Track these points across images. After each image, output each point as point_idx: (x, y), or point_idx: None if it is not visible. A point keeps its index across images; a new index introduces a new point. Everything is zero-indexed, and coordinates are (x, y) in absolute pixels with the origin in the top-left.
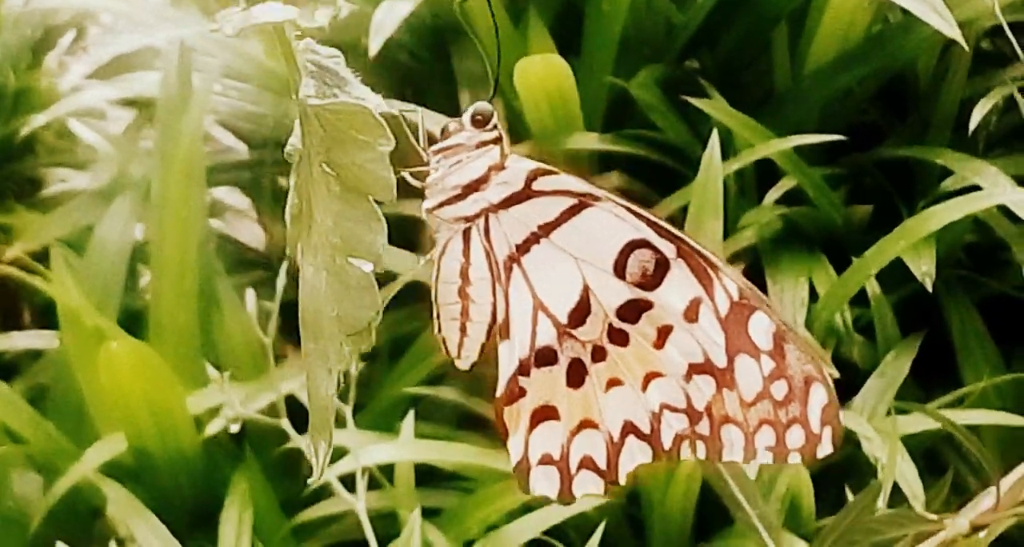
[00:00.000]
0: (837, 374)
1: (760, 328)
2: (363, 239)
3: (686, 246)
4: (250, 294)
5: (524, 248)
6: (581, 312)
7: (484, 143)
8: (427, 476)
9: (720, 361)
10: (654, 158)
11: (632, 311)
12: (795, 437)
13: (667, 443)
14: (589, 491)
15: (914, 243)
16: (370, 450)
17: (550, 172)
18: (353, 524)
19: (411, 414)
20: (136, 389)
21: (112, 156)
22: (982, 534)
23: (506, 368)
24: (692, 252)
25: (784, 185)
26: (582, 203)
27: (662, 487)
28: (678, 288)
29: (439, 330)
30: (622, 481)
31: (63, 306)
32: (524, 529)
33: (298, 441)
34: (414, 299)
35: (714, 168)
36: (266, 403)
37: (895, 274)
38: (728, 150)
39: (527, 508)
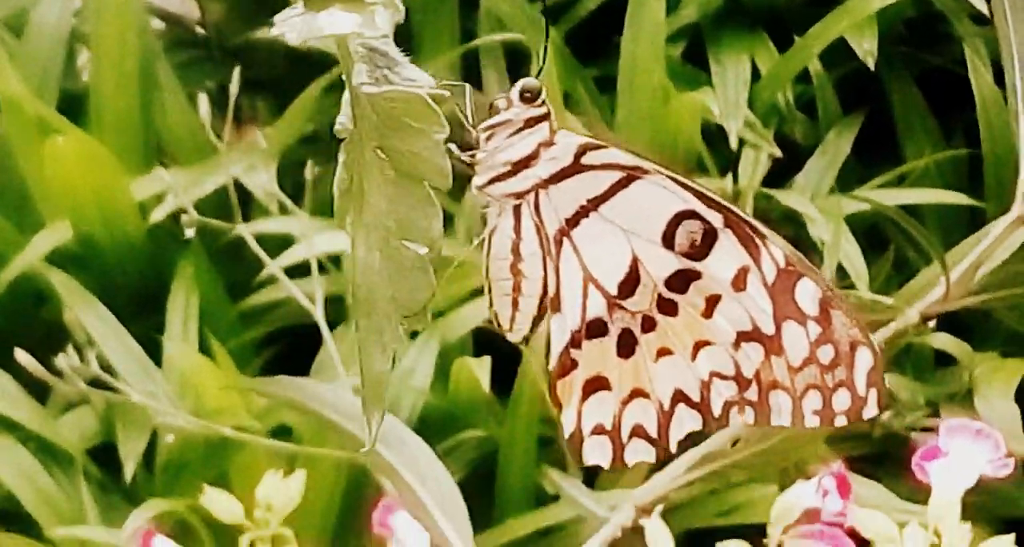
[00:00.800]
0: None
1: (807, 294)
2: (418, 224)
3: (733, 215)
4: (202, 99)
5: (574, 222)
6: (631, 283)
7: (533, 119)
8: None
9: (768, 328)
10: None
11: (681, 281)
12: (841, 400)
13: (717, 410)
14: (641, 459)
15: (857, 22)
16: (322, 238)
17: (599, 146)
18: (299, 309)
19: None
20: (81, 178)
21: None
22: (931, 324)
23: (558, 341)
24: (739, 221)
25: None
26: (630, 176)
27: None
28: (726, 257)
29: (491, 304)
30: (673, 449)
31: (3, 94)
32: (471, 316)
33: (243, 230)
34: None
35: None
36: (212, 188)
37: (836, 51)
38: None
39: (476, 293)
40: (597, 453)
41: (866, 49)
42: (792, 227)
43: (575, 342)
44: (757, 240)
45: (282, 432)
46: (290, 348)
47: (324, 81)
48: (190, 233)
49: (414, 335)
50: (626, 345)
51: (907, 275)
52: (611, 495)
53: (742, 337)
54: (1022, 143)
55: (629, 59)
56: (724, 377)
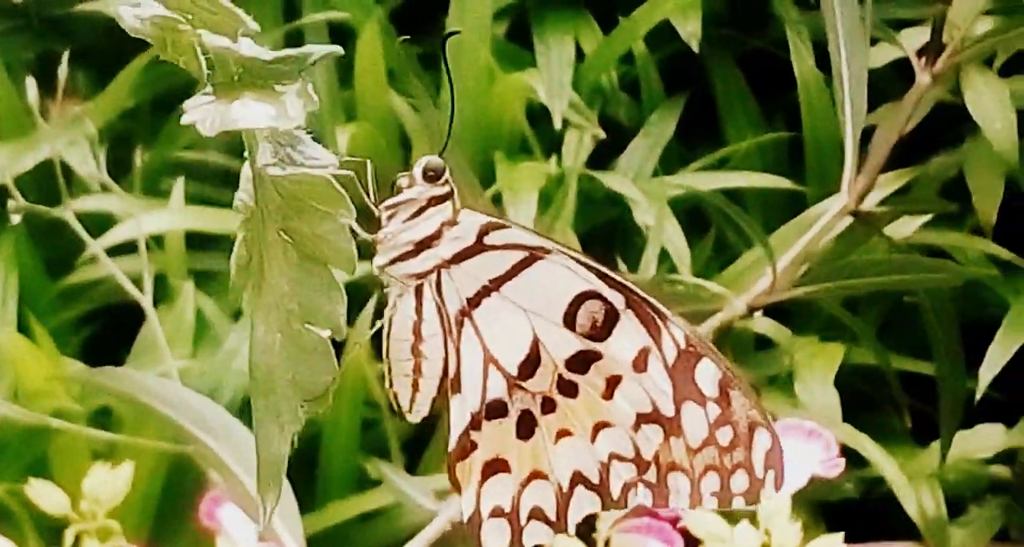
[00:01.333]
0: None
1: (707, 375)
2: (322, 308)
3: (635, 296)
4: (30, 82)
5: (475, 302)
6: (531, 364)
7: (436, 198)
8: (195, 239)
9: (668, 410)
10: None
11: (581, 362)
12: (739, 482)
13: (616, 492)
14: (539, 541)
15: (681, 4)
16: (146, 218)
17: (502, 226)
18: (119, 287)
19: (181, 180)
20: None
21: None
22: (757, 315)
23: (458, 423)
24: (641, 301)
25: None
26: (533, 256)
27: None
28: (627, 338)
29: (390, 385)
30: (571, 531)
31: None
32: None
33: (65, 213)
34: None
35: None
36: (33, 164)
37: (660, 33)
38: None
39: None
40: (495, 536)
41: (690, 31)
42: (615, 209)
43: (475, 424)
44: (658, 321)
45: (104, 413)
46: (110, 326)
47: (147, 56)
48: (16, 219)
49: (237, 316)
50: (526, 426)
51: (728, 257)
52: (434, 480)
53: (642, 419)
54: (848, 134)
55: (454, 38)
56: (623, 459)
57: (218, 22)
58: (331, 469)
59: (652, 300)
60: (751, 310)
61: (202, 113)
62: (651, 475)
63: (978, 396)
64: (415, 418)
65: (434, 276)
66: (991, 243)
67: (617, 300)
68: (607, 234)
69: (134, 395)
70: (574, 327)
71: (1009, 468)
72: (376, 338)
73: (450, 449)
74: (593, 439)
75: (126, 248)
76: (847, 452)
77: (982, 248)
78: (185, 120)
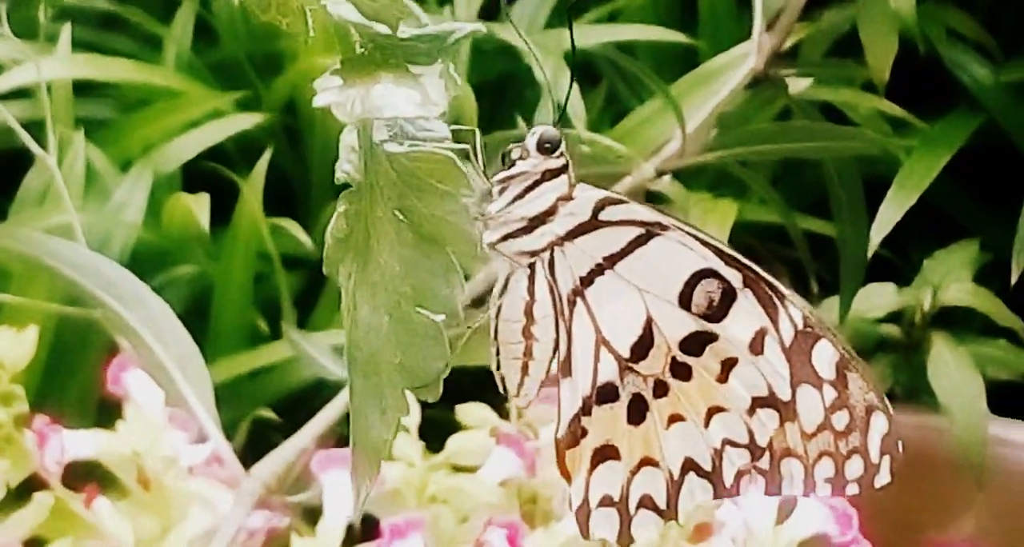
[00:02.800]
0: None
1: (824, 357)
2: (438, 292)
3: (752, 273)
4: None
5: (588, 280)
6: (644, 346)
7: (551, 171)
8: (81, 87)
9: (784, 394)
10: None
11: (696, 343)
12: (854, 467)
13: (728, 480)
14: (648, 531)
15: None
16: (29, 65)
17: (618, 201)
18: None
19: (68, 25)
20: None
21: None
22: (666, 178)
23: (568, 408)
24: (758, 279)
25: None
26: (649, 233)
27: None
28: (744, 319)
29: (498, 367)
30: (681, 520)
31: None
32: (184, 148)
33: None
34: None
35: None
36: None
37: None
38: None
39: (189, 125)
40: (604, 526)
41: None
42: (508, 61)
43: (586, 409)
44: (776, 300)
45: None
46: None
47: None
48: None
49: (126, 166)
50: (637, 411)
51: (617, 110)
52: (328, 336)
53: (757, 403)
54: None
55: None
56: (737, 445)
57: (378, 8)
58: (223, 324)
59: (770, 278)
60: (659, 174)
61: (339, 97)
62: (764, 462)
63: (869, 254)
64: (522, 402)
65: (547, 254)
66: (884, 100)
67: (735, 278)
68: (499, 86)
69: (39, 258)
70: (689, 307)
71: (899, 327)
72: None
73: (559, 436)
74: (706, 424)
75: (6, 96)
76: None
77: (875, 105)
78: (318, 102)
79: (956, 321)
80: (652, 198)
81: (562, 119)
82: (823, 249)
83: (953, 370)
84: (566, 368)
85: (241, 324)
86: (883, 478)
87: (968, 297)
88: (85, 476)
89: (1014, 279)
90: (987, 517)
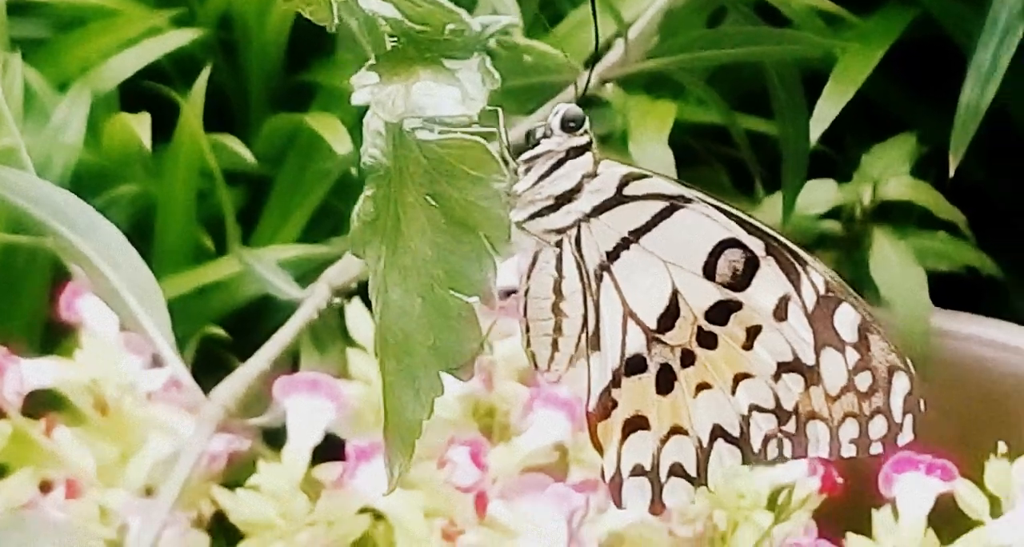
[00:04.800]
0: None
1: (846, 320)
2: (472, 276)
3: (774, 241)
4: None
5: (614, 255)
6: (670, 316)
7: (575, 149)
8: (14, 7)
9: (808, 358)
10: None
11: (721, 313)
12: (878, 427)
13: (756, 445)
14: (679, 498)
15: None
16: None
17: (642, 176)
18: None
19: None
20: None
21: None
22: (608, 87)
23: (598, 381)
24: (780, 247)
25: None
26: (673, 205)
27: (256, 16)
28: (768, 286)
29: (528, 344)
30: (711, 487)
31: None
32: (121, 67)
33: None
34: None
35: None
36: None
37: None
38: None
39: (127, 43)
40: (636, 495)
41: None
42: None
43: (615, 381)
44: (798, 266)
45: None
46: None
47: None
48: None
49: (63, 87)
50: (665, 381)
51: (551, 14)
52: (274, 251)
53: (783, 368)
54: None
55: None
56: (764, 410)
57: (423, 14)
58: (167, 242)
59: (791, 245)
60: (603, 82)
61: (379, 95)
62: (791, 425)
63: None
64: (552, 377)
65: (574, 231)
66: None
67: (757, 247)
68: None
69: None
70: (714, 277)
71: (839, 223)
72: None
73: (590, 409)
74: (733, 391)
75: None
76: None
77: (808, 2)
78: (357, 101)
79: (896, 215)
80: (589, 103)
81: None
82: (761, 147)
83: (894, 264)
84: (595, 342)
85: (186, 241)
86: (906, 436)
87: (907, 191)
88: (43, 405)
89: (952, 171)
90: (932, 409)
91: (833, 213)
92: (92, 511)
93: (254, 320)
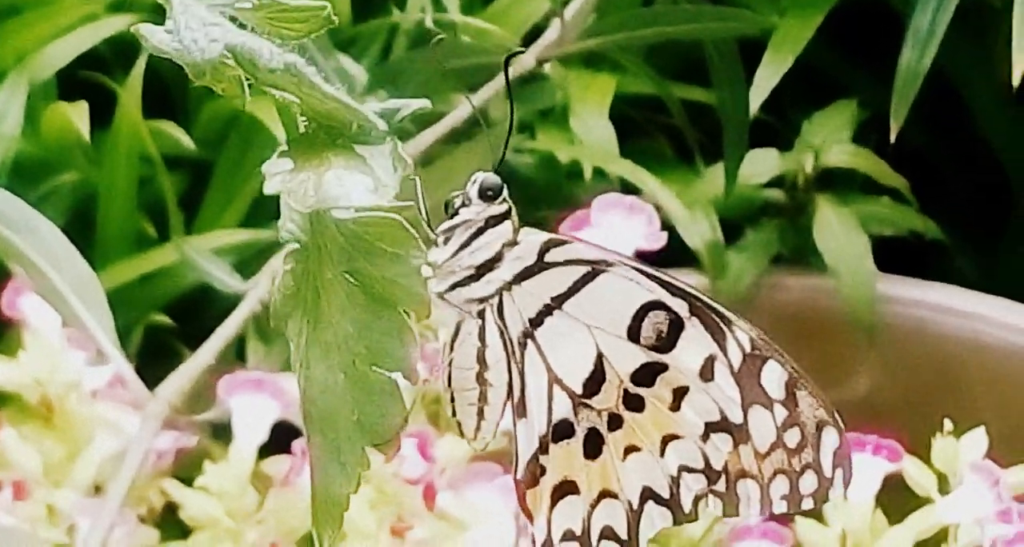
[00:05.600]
0: None
1: (773, 377)
2: (393, 352)
3: (698, 302)
4: None
5: (537, 322)
6: (596, 381)
7: (495, 217)
8: None
9: (736, 417)
10: None
11: (647, 375)
12: (808, 483)
13: (687, 505)
14: None
15: None
16: None
17: (562, 242)
18: None
19: None
20: None
21: None
22: (547, 67)
23: (525, 449)
24: (704, 307)
25: None
26: (595, 270)
27: None
28: (693, 347)
29: (454, 414)
30: None
31: None
32: (58, 54)
33: None
34: None
35: None
36: None
37: None
38: None
39: (64, 30)
40: None
41: None
42: None
43: (543, 448)
44: (723, 326)
45: None
46: None
47: None
48: None
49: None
50: (593, 445)
51: None
52: (215, 237)
53: (711, 428)
54: None
55: None
56: (693, 470)
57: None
58: (109, 230)
59: (716, 305)
60: (540, 62)
61: (291, 183)
62: (721, 485)
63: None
64: (479, 445)
65: (496, 299)
66: None
67: (681, 308)
68: None
69: None
70: (639, 339)
71: (782, 191)
72: None
73: (518, 477)
74: (662, 453)
75: None
76: (625, 186)
77: None
78: (269, 190)
79: (839, 182)
80: (529, 79)
81: (435, 4)
82: (703, 116)
83: (838, 231)
84: (520, 409)
85: (127, 229)
86: (837, 491)
87: (849, 158)
88: None
89: (893, 136)
90: (880, 374)
91: (776, 182)
92: (40, 512)
93: (199, 306)
